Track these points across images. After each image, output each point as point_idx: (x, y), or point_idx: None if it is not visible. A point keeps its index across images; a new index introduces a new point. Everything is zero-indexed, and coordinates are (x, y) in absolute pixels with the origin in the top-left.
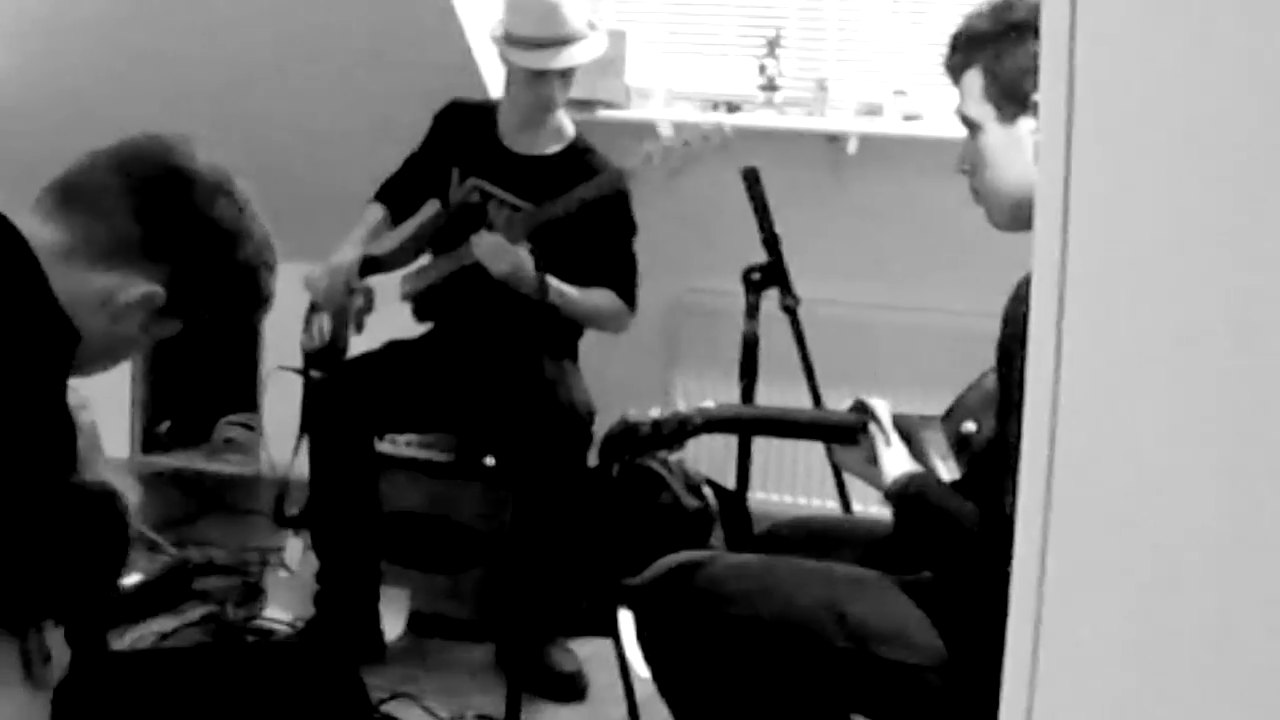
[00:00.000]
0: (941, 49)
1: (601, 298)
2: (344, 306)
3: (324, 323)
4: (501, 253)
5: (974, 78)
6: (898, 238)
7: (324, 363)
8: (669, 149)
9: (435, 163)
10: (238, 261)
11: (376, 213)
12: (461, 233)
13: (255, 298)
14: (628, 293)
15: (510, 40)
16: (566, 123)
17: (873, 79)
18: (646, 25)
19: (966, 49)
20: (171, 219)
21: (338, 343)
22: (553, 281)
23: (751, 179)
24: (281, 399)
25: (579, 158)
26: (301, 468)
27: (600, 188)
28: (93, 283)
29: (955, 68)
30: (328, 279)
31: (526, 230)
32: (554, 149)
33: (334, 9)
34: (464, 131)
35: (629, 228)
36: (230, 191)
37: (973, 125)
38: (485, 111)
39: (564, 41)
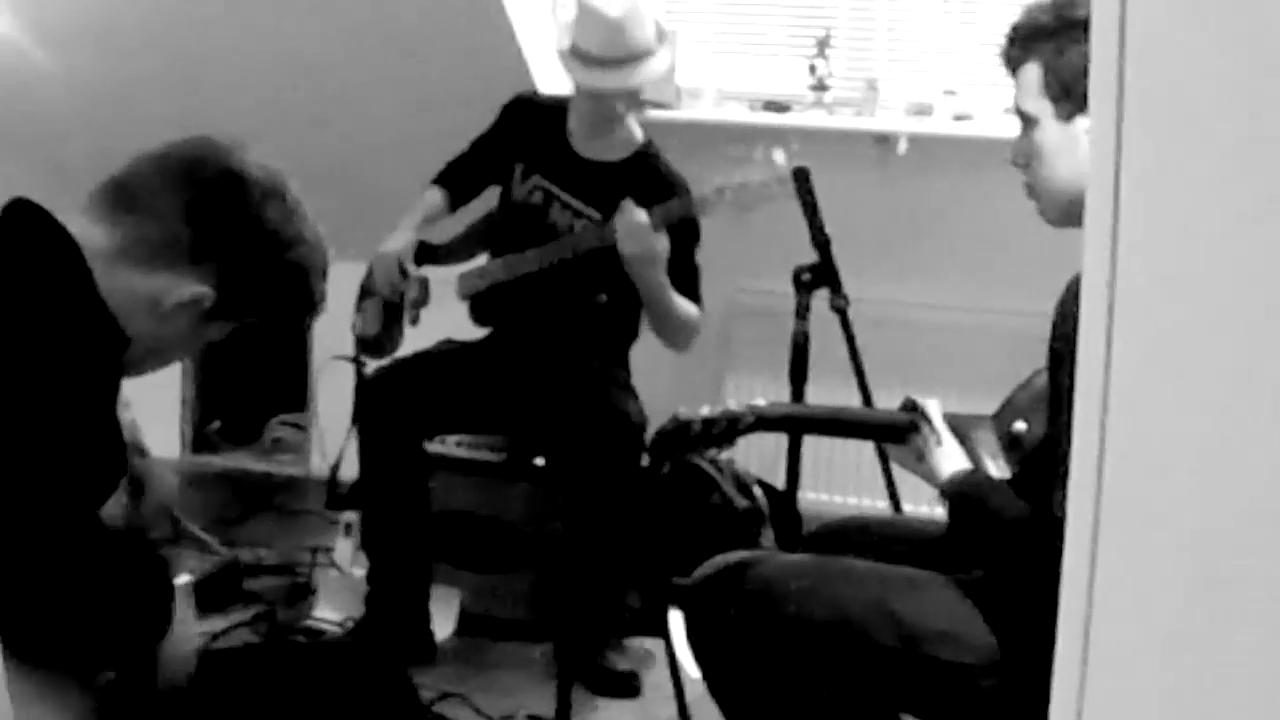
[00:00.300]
0: (997, 43)
1: (690, 309)
2: (398, 292)
3: (376, 308)
4: (641, 233)
5: (1032, 72)
6: (947, 238)
7: (377, 350)
8: (742, 186)
9: (499, 153)
10: (287, 263)
11: (435, 196)
12: (519, 232)
13: (305, 301)
14: (696, 302)
15: (576, 54)
16: (635, 128)
17: (923, 79)
18: (696, 25)
19: (1025, 42)
20: (221, 220)
21: (391, 331)
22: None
23: (801, 179)
24: (334, 390)
25: (647, 165)
26: (353, 456)
27: (669, 214)
28: (141, 284)
29: (1013, 60)
30: (380, 263)
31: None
32: (622, 156)
33: (381, 7)
34: (531, 128)
35: (694, 237)
36: (281, 194)
37: (1028, 120)
38: (554, 111)
39: (628, 60)
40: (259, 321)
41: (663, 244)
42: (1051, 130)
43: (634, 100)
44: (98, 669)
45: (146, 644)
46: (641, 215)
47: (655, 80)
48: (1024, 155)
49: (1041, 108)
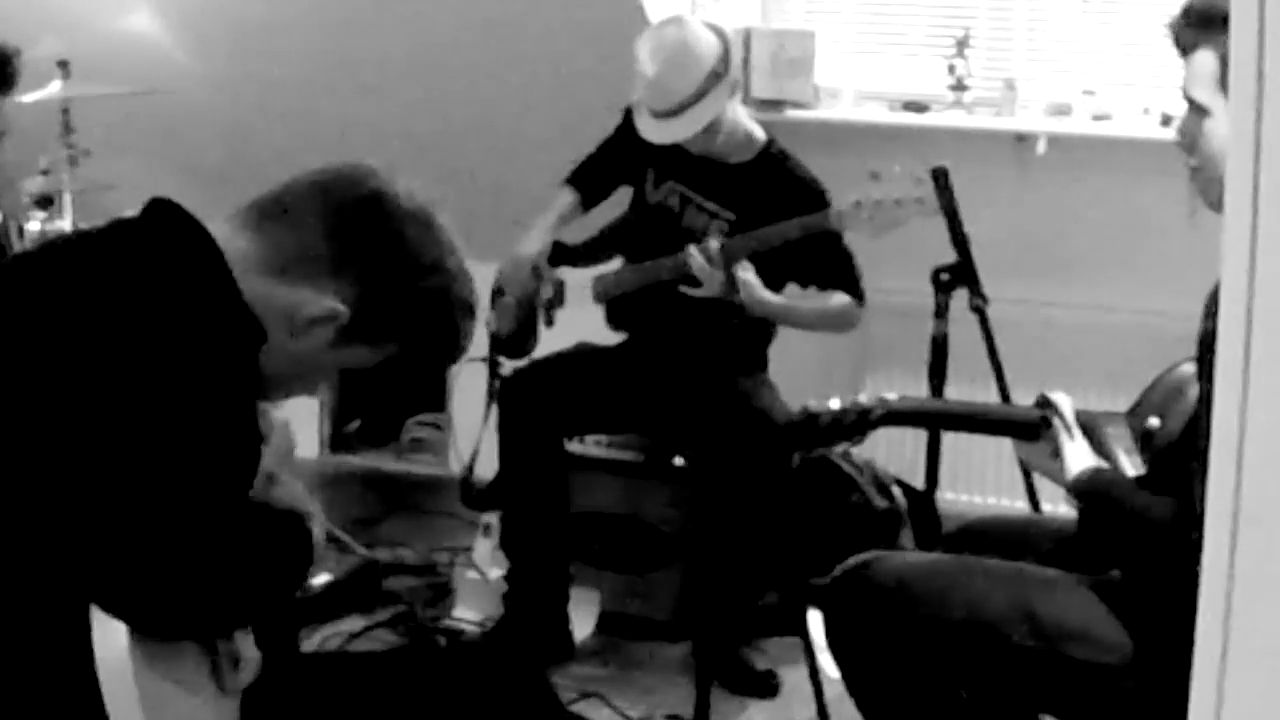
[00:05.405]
0: (1139, 40)
1: (816, 303)
2: (532, 292)
3: (510, 307)
4: (708, 276)
5: (1207, 60)
6: (1086, 237)
7: (512, 350)
8: (879, 203)
9: (628, 155)
10: (425, 290)
11: (567, 197)
12: (654, 235)
13: (448, 335)
14: (852, 288)
15: (639, 104)
16: (755, 129)
17: (1062, 79)
18: (835, 25)
19: (1202, 26)
20: (360, 238)
21: (527, 331)
22: (767, 297)
23: (940, 179)
24: (470, 390)
25: (776, 166)
26: (487, 454)
27: (807, 227)
28: (278, 295)
29: (1185, 43)
30: (514, 264)
31: (735, 257)
32: (747, 157)
33: (519, 8)
34: None
35: (837, 232)
36: (426, 221)
37: (1199, 108)
38: None
39: (674, 112)
40: (400, 353)
41: (745, 274)
42: (1224, 122)
43: (714, 132)
44: (229, 628)
45: (288, 590)
46: (702, 254)
47: (707, 124)
48: (1190, 140)
49: (1214, 100)
